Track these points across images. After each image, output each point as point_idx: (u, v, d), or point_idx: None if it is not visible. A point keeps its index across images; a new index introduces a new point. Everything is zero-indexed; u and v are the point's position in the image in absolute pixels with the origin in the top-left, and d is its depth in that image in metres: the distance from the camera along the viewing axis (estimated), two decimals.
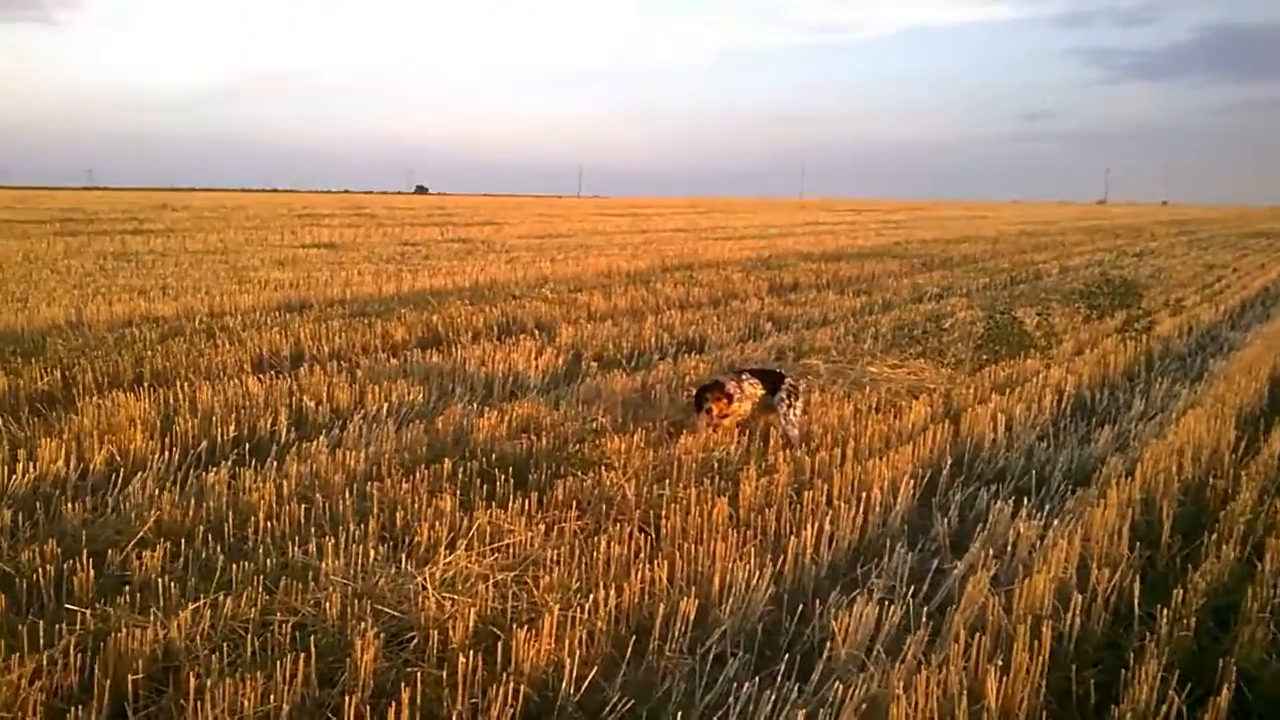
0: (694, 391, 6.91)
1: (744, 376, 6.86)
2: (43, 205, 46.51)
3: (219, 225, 31.83)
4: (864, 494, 5.48)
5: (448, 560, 4.36)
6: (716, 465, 6.03)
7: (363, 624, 3.78)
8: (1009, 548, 4.91)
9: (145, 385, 7.83)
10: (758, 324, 12.22)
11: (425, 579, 4.18)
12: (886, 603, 4.19)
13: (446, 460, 5.77)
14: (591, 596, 4.09)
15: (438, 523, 4.79)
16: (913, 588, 4.44)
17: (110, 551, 4.47)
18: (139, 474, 5.52)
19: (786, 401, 6.76)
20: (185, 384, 7.62)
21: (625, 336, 10.71)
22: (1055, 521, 5.26)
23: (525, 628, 3.78)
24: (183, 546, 4.47)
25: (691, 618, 4.03)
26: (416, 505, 5.10)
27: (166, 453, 5.97)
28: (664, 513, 5.10)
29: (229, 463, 5.80)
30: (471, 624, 3.84)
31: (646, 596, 4.26)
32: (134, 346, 9.14)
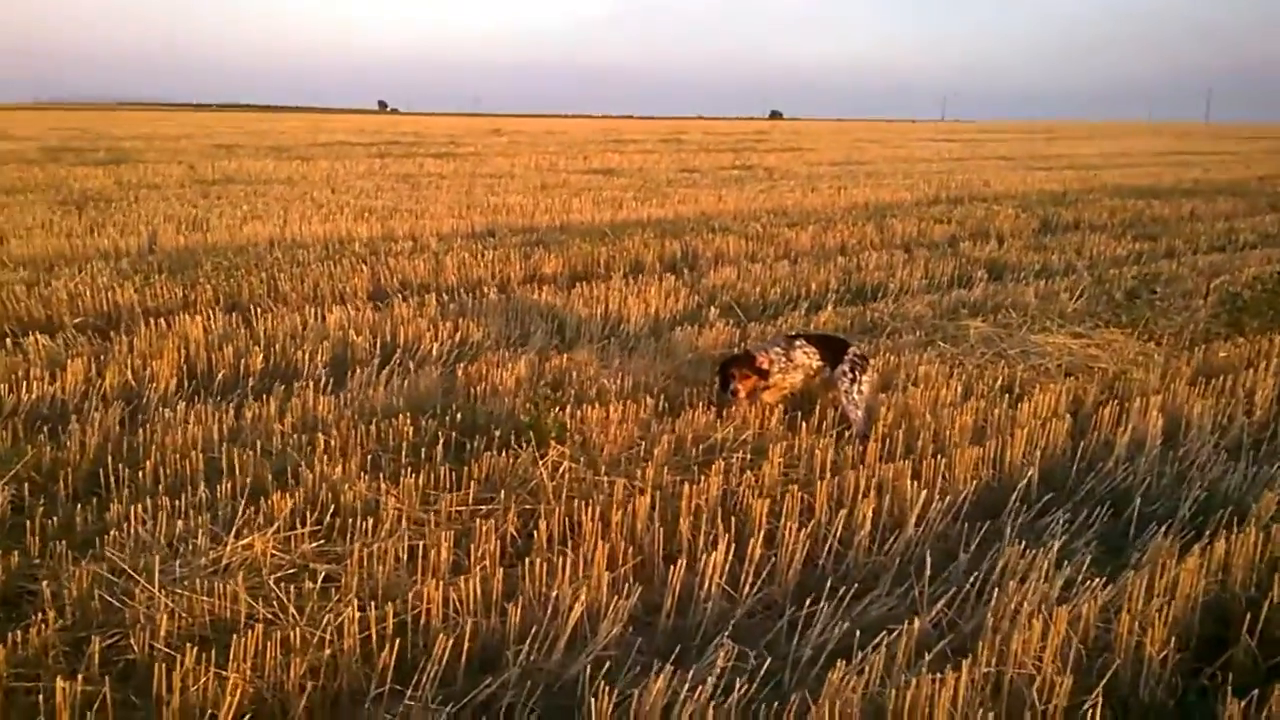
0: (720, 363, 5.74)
1: (797, 343, 5.60)
2: (381, 129, 51.00)
3: (524, 150, 33.02)
4: (849, 513, 4.18)
5: (246, 541, 3.73)
6: (700, 448, 4.92)
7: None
8: None
9: (218, 307, 7.80)
10: (971, 271, 10.39)
11: (206, 560, 3.60)
12: None
13: (405, 416, 5.14)
14: (340, 614, 3.28)
15: (288, 494, 4.17)
16: None
17: None
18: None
19: (850, 376, 5.44)
20: (256, 308, 7.54)
21: (787, 279, 9.47)
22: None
23: (198, 648, 3.03)
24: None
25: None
26: (319, 469, 4.51)
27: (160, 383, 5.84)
28: (574, 509, 4.15)
29: (215, 399, 5.58)
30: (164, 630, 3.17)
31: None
32: (286, 267, 9.31)
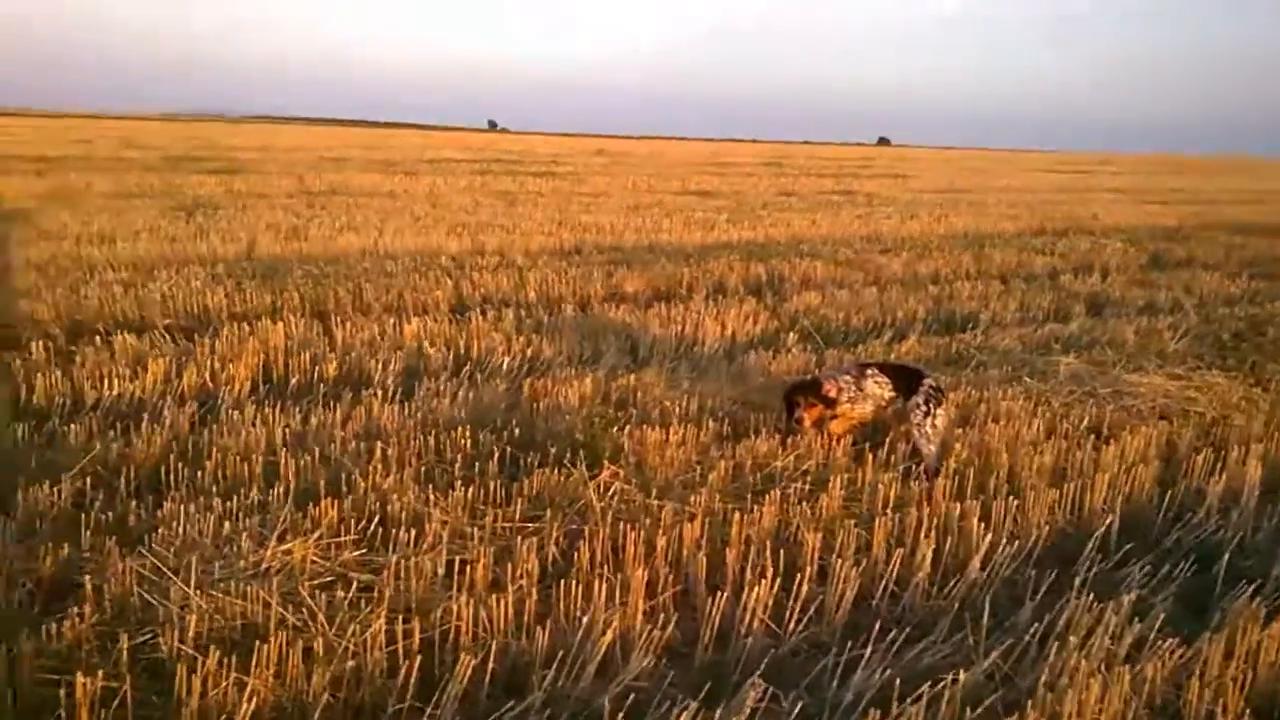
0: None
1: (869, 372, 5.40)
2: (486, 146, 51.98)
3: (624, 171, 33.23)
4: (909, 552, 3.98)
5: (287, 546, 3.73)
6: (758, 476, 4.77)
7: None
8: None
9: (301, 314, 7.93)
10: (1069, 306, 9.97)
11: (246, 563, 3.61)
12: None
13: (465, 429, 5.11)
14: (369, 626, 3.23)
15: (338, 501, 4.16)
16: None
17: None
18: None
19: (924, 409, 5.21)
20: (338, 316, 7.65)
21: (873, 306, 9.22)
22: None
23: (223, 652, 3.01)
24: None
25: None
26: (372, 479, 4.51)
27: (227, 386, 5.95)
28: (619, 532, 4.05)
29: (285, 403, 5.66)
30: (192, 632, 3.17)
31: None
32: (373, 278, 9.48)
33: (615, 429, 5.12)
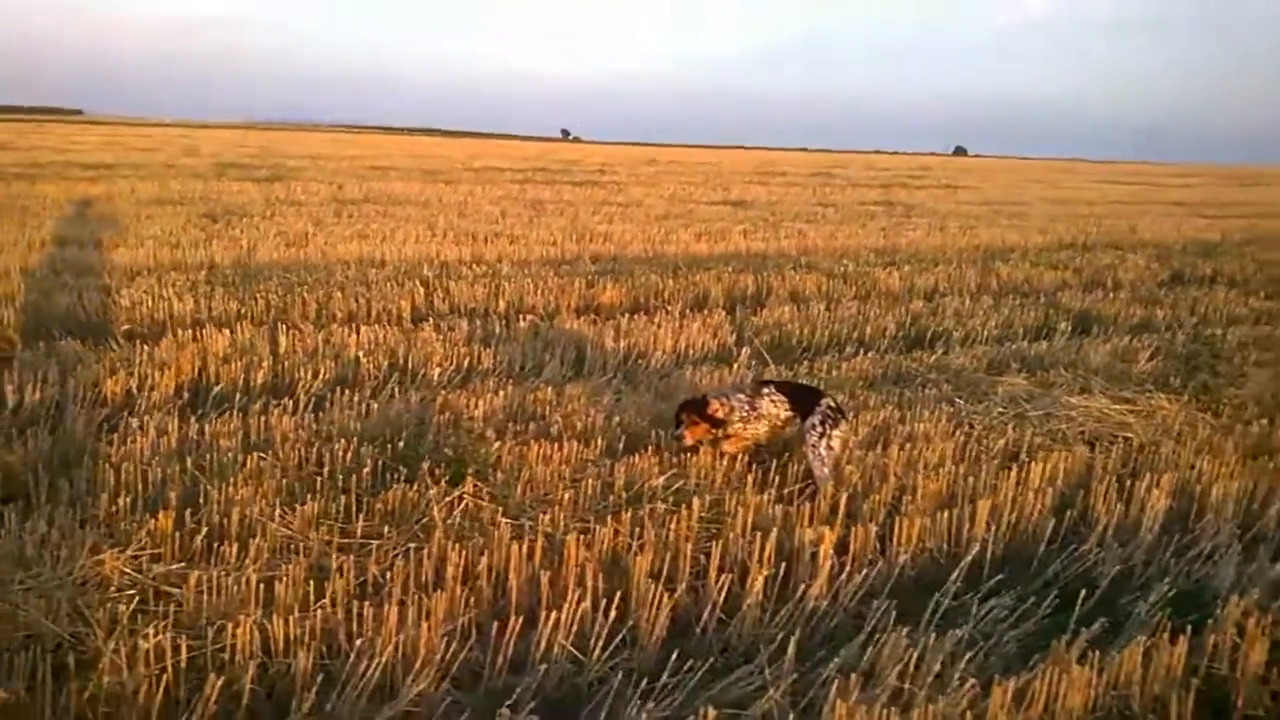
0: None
1: (766, 391, 5.28)
2: (540, 155, 52.33)
3: (668, 180, 33.18)
4: (747, 578, 3.85)
5: (99, 558, 3.75)
6: (626, 495, 4.68)
7: None
8: None
9: (262, 322, 8.03)
10: (1056, 323, 9.63)
11: (54, 574, 3.64)
12: None
13: (351, 441, 5.12)
14: (144, 643, 3.23)
15: (177, 513, 4.17)
16: None
17: None
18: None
19: (819, 429, 5.07)
20: (285, 325, 7.73)
21: (845, 322, 9.04)
22: None
23: None
24: None
25: None
26: (227, 490, 4.52)
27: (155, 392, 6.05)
28: (445, 550, 4.00)
29: (201, 412, 5.75)
30: None
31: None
32: (348, 286, 9.57)
33: (485, 445, 5.07)
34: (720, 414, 5.11)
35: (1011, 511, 4.68)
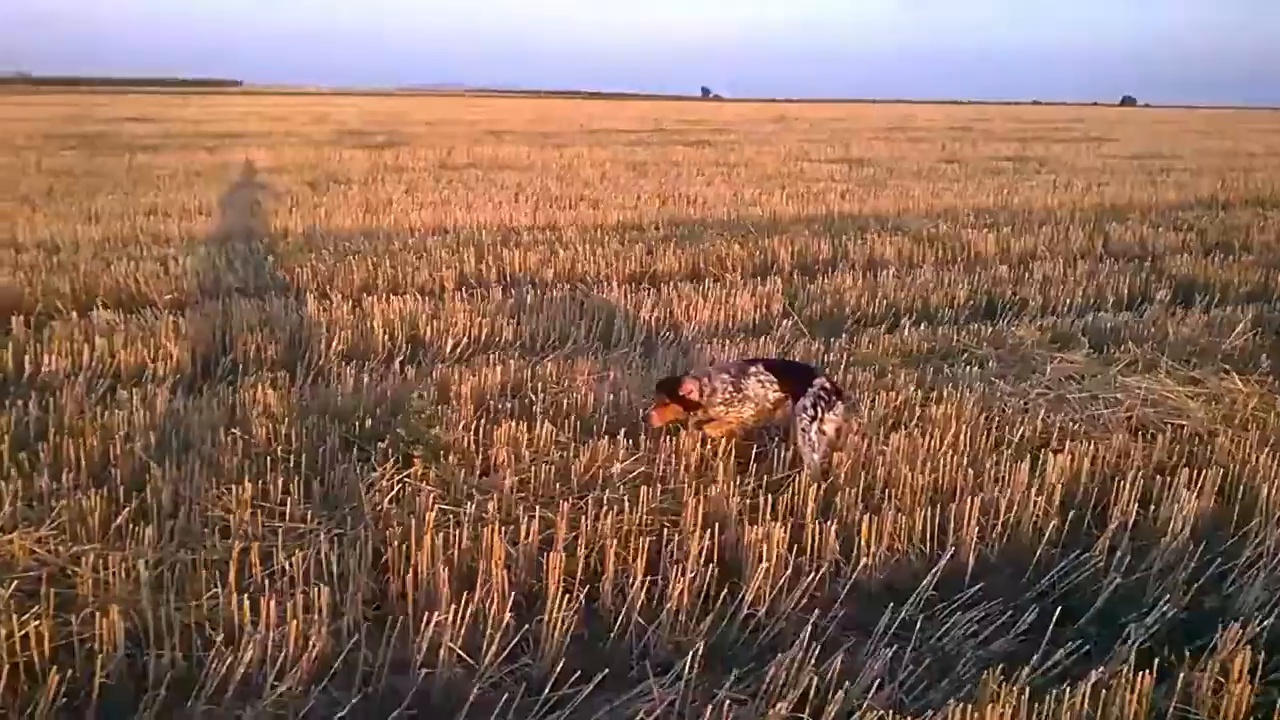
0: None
1: (753, 370, 4.84)
2: (662, 115, 51.63)
3: (790, 138, 32.21)
4: (681, 580, 3.52)
5: (8, 537, 3.70)
6: (580, 481, 4.37)
7: None
8: None
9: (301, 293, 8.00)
10: (1155, 291, 8.73)
11: None
12: None
13: (319, 418, 4.98)
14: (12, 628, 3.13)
15: (116, 492, 4.10)
16: None
17: None
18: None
19: (811, 413, 4.63)
20: (318, 297, 7.68)
21: (907, 290, 8.42)
22: None
23: None
24: None
25: None
26: (169, 469, 4.42)
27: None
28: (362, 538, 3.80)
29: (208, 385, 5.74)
30: None
31: None
32: (400, 254, 9.53)
33: (438, 426, 4.83)
34: (694, 395, 4.72)
35: (1009, 510, 4.15)
